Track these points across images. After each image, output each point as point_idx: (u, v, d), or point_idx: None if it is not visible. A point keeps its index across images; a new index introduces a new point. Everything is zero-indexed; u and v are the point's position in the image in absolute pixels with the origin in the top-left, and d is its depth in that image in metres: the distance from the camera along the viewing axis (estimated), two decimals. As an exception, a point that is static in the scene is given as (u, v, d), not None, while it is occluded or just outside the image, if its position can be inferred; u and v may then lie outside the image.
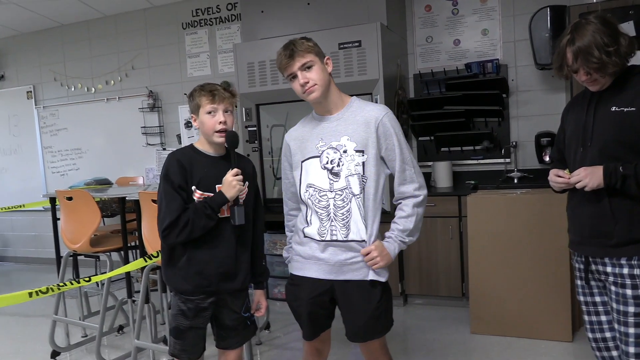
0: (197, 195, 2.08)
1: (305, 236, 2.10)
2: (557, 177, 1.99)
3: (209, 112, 2.08)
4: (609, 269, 1.92)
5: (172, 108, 5.68)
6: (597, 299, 2.03)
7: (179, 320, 2.16)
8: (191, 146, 2.20)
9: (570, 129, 2.06)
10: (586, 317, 2.09)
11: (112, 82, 5.99)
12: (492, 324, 3.50)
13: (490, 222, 3.46)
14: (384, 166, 2.05)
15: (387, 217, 2.10)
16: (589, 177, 1.85)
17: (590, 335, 2.09)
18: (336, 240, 2.02)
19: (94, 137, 6.17)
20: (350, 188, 2.00)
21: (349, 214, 2.00)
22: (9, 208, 5.51)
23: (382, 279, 2.05)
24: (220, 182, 2.07)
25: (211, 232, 2.08)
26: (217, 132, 2.08)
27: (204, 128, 2.11)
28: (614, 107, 1.88)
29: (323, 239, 2.04)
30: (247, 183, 2.18)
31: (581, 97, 2.06)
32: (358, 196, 2.00)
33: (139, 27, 5.80)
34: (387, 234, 2.06)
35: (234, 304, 2.22)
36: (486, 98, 4.25)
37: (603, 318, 2.03)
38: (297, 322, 2.20)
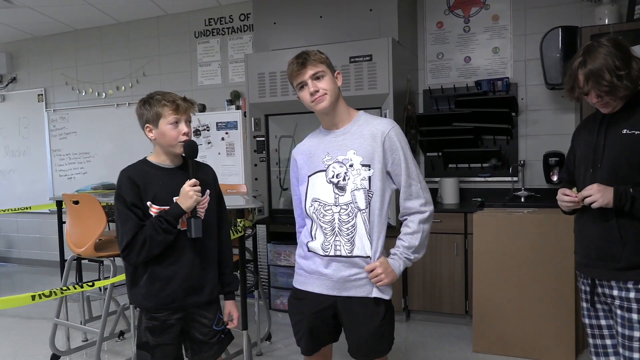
0: (154, 210, 2.02)
1: (309, 250, 2.08)
2: (564, 195, 1.99)
3: (172, 123, 2.03)
4: (615, 292, 1.90)
5: (181, 115, 5.70)
6: (603, 322, 2.01)
7: (147, 336, 2.10)
8: (144, 160, 2.13)
9: (580, 150, 2.06)
10: (591, 340, 2.07)
11: (123, 88, 6.04)
12: (494, 343, 3.47)
13: (496, 241, 3.44)
14: (390, 181, 2.03)
15: (392, 232, 2.09)
16: (601, 193, 1.84)
17: (594, 358, 2.07)
18: (340, 256, 2.00)
19: (103, 141, 6.21)
20: (355, 203, 1.98)
21: (354, 229, 1.98)
22: (15, 209, 5.53)
23: (386, 297, 2.02)
24: (177, 195, 2.01)
25: (171, 246, 2.03)
26: (180, 142, 2.04)
27: (165, 139, 2.04)
28: (624, 130, 1.88)
29: (327, 254, 2.02)
30: (207, 192, 2.13)
31: (592, 119, 2.06)
32: (364, 211, 1.98)
33: (152, 34, 5.85)
34: (392, 250, 2.04)
35: (205, 317, 2.16)
36: (495, 116, 4.25)
37: (608, 342, 2.01)
38: (294, 336, 2.18)
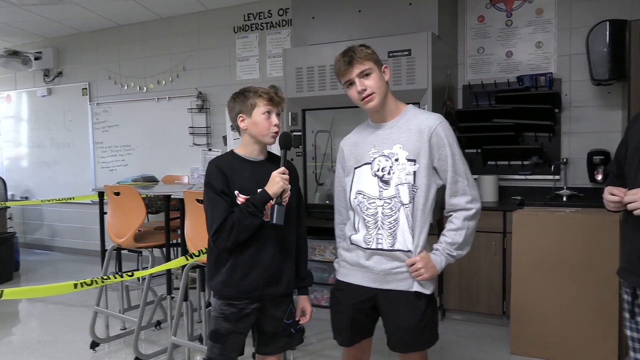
0: (241, 199, 2.08)
1: (352, 243, 2.10)
2: (610, 195, 1.84)
3: (265, 113, 2.10)
4: None
5: (220, 110, 5.76)
6: None
7: (220, 323, 2.14)
8: (231, 152, 2.20)
9: (633, 143, 1.91)
10: (632, 354, 1.93)
11: (164, 82, 6.14)
12: (532, 345, 3.38)
13: (536, 240, 3.35)
14: (436, 177, 2.01)
15: (431, 229, 2.05)
16: None
17: None
18: (381, 249, 2.00)
19: (143, 135, 6.34)
20: (399, 197, 1.97)
21: (397, 223, 1.98)
22: (59, 200, 5.71)
23: (427, 292, 2.02)
24: (261, 187, 2.05)
25: (255, 236, 2.07)
26: (272, 133, 2.12)
27: (258, 129, 2.11)
28: None
29: (369, 246, 2.02)
30: (289, 186, 2.16)
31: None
32: (407, 206, 1.97)
33: (192, 29, 5.92)
34: (434, 245, 2.03)
35: (277, 309, 2.20)
36: (537, 112, 4.13)
37: None
38: (332, 329, 2.19)
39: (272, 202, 2.05)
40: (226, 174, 2.09)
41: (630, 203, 1.74)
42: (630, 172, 1.90)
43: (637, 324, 1.88)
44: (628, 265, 1.86)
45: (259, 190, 2.05)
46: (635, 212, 1.72)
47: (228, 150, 2.24)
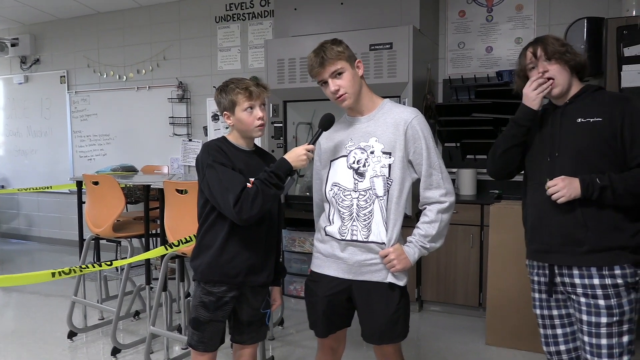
0: None
1: (326, 234, 2.11)
2: (532, 82, 2.05)
3: (247, 109, 2.10)
4: (577, 280, 1.92)
5: (201, 100, 5.74)
6: (555, 312, 2.04)
7: (200, 311, 2.17)
8: (224, 139, 2.20)
9: (535, 143, 2.08)
10: (542, 331, 2.09)
11: (144, 71, 6.07)
12: (508, 337, 3.45)
13: (513, 233, 3.40)
14: (411, 170, 2.03)
15: (408, 222, 2.08)
16: (567, 188, 1.86)
17: (545, 348, 2.11)
18: (356, 241, 2.02)
19: (123, 124, 6.27)
20: (374, 189, 1.99)
21: (371, 215, 2.00)
22: (36, 189, 5.64)
23: (400, 283, 2.03)
24: (252, 176, 2.04)
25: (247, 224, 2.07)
26: (257, 127, 2.12)
27: (243, 125, 2.13)
28: (579, 119, 1.94)
29: (343, 238, 2.04)
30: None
31: (541, 113, 2.10)
32: (381, 198, 1.99)
33: (173, 18, 5.86)
34: (408, 238, 2.05)
35: (255, 299, 2.24)
36: (516, 107, 4.14)
37: (559, 331, 2.05)
38: (308, 320, 2.21)
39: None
40: (228, 155, 2.10)
41: (554, 194, 1.88)
42: (536, 165, 2.07)
43: (548, 302, 2.04)
44: (548, 247, 1.99)
45: (250, 179, 2.03)
46: (559, 201, 1.88)
47: (220, 137, 2.24)
